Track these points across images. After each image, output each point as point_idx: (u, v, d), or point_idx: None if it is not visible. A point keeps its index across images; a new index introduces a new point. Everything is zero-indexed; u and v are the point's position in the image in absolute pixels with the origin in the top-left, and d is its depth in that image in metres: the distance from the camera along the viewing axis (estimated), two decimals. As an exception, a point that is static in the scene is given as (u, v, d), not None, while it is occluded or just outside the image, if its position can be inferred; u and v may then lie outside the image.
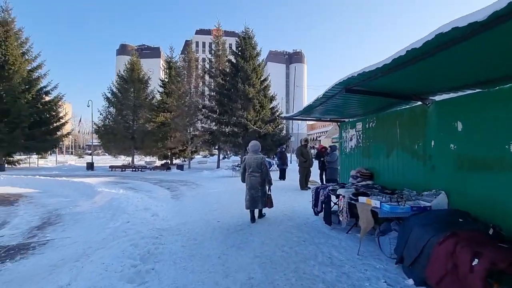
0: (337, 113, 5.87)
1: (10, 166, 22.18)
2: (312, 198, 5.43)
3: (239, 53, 20.04)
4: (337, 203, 5.05)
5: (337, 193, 4.40)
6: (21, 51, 20.82)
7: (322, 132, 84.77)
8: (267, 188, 5.26)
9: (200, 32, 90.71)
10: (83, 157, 42.36)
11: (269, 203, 5.27)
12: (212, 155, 26.04)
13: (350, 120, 6.19)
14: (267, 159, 19.11)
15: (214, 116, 20.26)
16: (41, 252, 3.85)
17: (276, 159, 15.66)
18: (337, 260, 3.39)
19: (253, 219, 5.14)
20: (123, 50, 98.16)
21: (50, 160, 28.76)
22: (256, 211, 5.36)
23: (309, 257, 3.48)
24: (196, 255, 3.58)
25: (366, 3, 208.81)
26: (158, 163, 26.80)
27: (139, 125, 21.73)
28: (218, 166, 20.64)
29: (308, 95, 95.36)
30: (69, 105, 72.54)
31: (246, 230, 4.69)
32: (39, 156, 31.04)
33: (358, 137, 5.70)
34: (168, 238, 4.21)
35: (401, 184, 4.25)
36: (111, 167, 19.42)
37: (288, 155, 26.57)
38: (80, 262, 3.31)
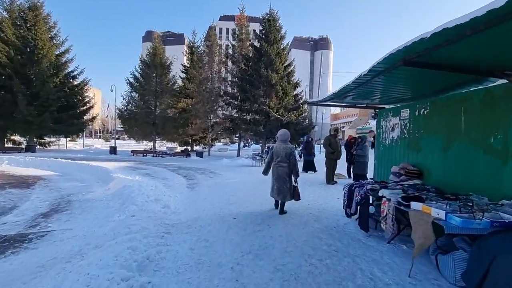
0: (375, 97, 4.94)
1: (42, 147, 23.21)
2: (344, 196, 4.64)
3: (263, 37, 19.01)
4: (373, 203, 4.24)
5: (379, 194, 3.57)
6: (49, 35, 21.22)
7: (346, 122, 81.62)
8: (294, 179, 4.93)
9: (224, 18, 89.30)
10: (109, 141, 43.92)
11: (296, 195, 4.93)
12: (233, 142, 25.67)
13: (393, 106, 5.22)
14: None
15: (235, 103, 19.60)
16: (36, 246, 3.44)
17: (300, 149, 14.77)
18: (382, 284, 2.63)
19: (277, 205, 5.09)
20: (149, 37, 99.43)
21: (79, 143, 29.88)
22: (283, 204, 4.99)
23: (345, 276, 2.75)
24: (205, 262, 2.98)
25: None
26: (179, 149, 26.90)
27: (160, 110, 21.64)
28: (238, 155, 20.14)
29: (334, 82, 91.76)
30: (99, 92, 75.47)
31: (266, 232, 4.02)
32: (69, 139, 32.51)
33: (403, 127, 4.75)
34: (175, 237, 3.65)
35: (465, 187, 3.34)
36: (133, 151, 19.59)
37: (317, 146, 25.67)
38: (71, 264, 2.82)
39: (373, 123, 57.02)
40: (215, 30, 25.26)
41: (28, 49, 19.83)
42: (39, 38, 19.95)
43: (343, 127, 79.14)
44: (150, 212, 4.50)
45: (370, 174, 9.52)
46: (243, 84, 18.84)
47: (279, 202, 4.96)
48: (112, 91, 21.12)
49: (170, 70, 22.87)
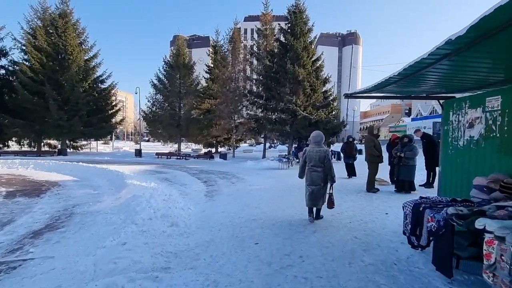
0: (439, 84, 3.64)
1: (75, 151, 24.02)
2: (406, 218, 3.39)
3: (289, 30, 17.82)
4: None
5: (478, 225, 2.30)
6: (78, 41, 21.80)
7: (376, 120, 77.07)
8: (329, 186, 4.54)
9: (249, 18, 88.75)
10: (139, 143, 45.21)
11: (329, 203, 4.55)
12: (258, 143, 24.67)
13: (470, 94, 3.86)
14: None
15: (260, 102, 18.62)
16: (-2, 285, 2.66)
17: (338, 150, 13.37)
18: None
19: (311, 214, 4.60)
20: (175, 41, 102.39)
21: (109, 146, 30.76)
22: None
23: None
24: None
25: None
26: (204, 151, 26.57)
27: (184, 112, 21.30)
28: (263, 156, 19.13)
29: (363, 78, 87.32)
30: (131, 96, 78.74)
31: (298, 268, 2.93)
32: (101, 141, 33.65)
33: (490, 122, 3.39)
34: (174, 277, 2.68)
35: None
36: (157, 154, 19.39)
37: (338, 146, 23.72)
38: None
39: (406, 120, 52.47)
40: (239, 29, 24.45)
41: (59, 55, 20.48)
42: (68, 44, 20.52)
43: (373, 125, 75.00)
44: (151, 235, 3.61)
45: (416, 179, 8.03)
46: (268, 81, 17.78)
47: (314, 209, 4.58)
48: (136, 93, 21.20)
49: (194, 70, 22.50)
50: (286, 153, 14.87)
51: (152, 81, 21.13)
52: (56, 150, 20.88)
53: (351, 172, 9.38)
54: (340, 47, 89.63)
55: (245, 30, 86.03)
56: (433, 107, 48.26)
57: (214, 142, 24.72)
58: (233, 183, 8.79)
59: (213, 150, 27.00)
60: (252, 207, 5.62)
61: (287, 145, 19.07)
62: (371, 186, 7.24)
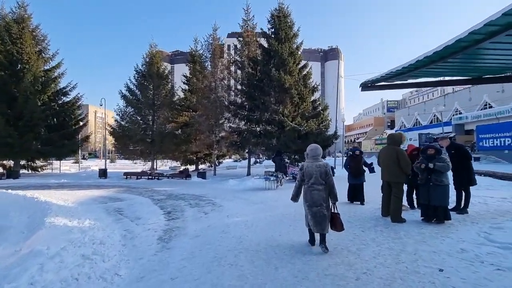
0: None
1: (34, 172, 20.91)
2: None
3: (272, 35, 16.33)
4: None
5: None
6: (37, 49, 19.36)
7: (360, 133, 77.42)
8: (332, 204, 3.88)
9: (232, 35, 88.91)
10: (114, 162, 41.82)
11: (338, 225, 3.85)
12: (244, 158, 22.28)
13: None
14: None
15: (243, 113, 16.71)
16: None
17: (344, 166, 9.92)
18: None
19: (312, 240, 4.00)
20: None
21: (74, 166, 27.57)
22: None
23: None
24: None
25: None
26: (182, 168, 24.14)
27: (157, 125, 19.01)
28: (248, 173, 17.05)
29: (346, 94, 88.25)
30: (111, 113, 75.12)
31: None
32: (73, 160, 30.40)
33: None
34: None
35: None
36: (126, 174, 16.78)
37: (332, 160, 21.73)
38: None
39: (389, 132, 52.76)
40: (223, 45, 22.43)
41: (12, 64, 17.91)
42: (24, 52, 18.05)
43: (358, 138, 74.87)
44: None
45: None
46: (251, 90, 16.00)
47: (319, 234, 3.86)
48: (101, 105, 18.76)
49: (169, 80, 20.42)
50: (273, 171, 12.90)
51: (122, 92, 18.80)
52: (4, 172, 17.79)
53: (357, 196, 7.15)
54: (323, 62, 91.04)
55: (229, 46, 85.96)
56: (416, 119, 48.48)
57: (194, 158, 22.39)
58: (206, 213, 6.61)
59: (193, 167, 24.65)
60: (225, 264, 3.50)
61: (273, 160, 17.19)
62: (398, 215, 5.33)
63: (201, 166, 24.63)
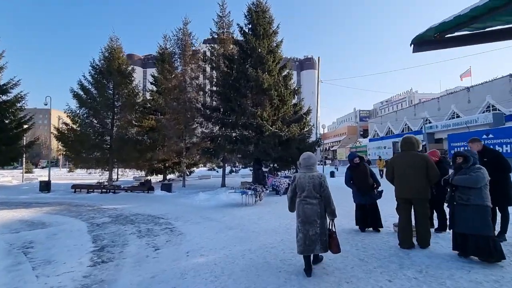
0: None
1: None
2: None
3: (250, 31, 14.77)
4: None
5: None
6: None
7: (334, 142, 78.50)
8: (329, 222, 3.50)
9: (208, 41, 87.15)
10: (73, 171, 37.55)
11: (334, 246, 3.42)
12: (220, 167, 20.07)
13: None
14: (290, 175, 13.33)
15: (217, 117, 14.81)
16: None
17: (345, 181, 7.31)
18: None
19: (309, 269, 3.35)
20: (129, 60, 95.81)
21: (16, 177, 23.73)
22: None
23: None
24: None
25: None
26: (154, 179, 21.67)
27: (117, 130, 16.48)
28: (223, 184, 15.10)
29: (321, 102, 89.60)
30: (56, 112, 68.94)
31: None
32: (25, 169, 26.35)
33: None
34: None
35: None
36: (74, 186, 14.01)
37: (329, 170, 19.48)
38: None
39: (364, 141, 53.48)
40: (198, 53, 20.19)
41: None
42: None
43: (333, 146, 75.63)
44: None
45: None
46: (226, 91, 14.23)
47: (311, 256, 3.40)
48: (46, 104, 15.88)
49: (133, 79, 18.01)
50: (252, 183, 11.14)
51: (74, 90, 16.04)
52: None
53: (369, 219, 5.18)
54: (298, 71, 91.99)
55: (205, 52, 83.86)
56: (389, 128, 49.52)
57: (162, 167, 19.98)
58: (157, 249, 4.60)
59: (161, 177, 22.13)
60: None
61: (251, 169, 15.40)
62: (429, 239, 3.85)
63: (170, 176, 22.22)
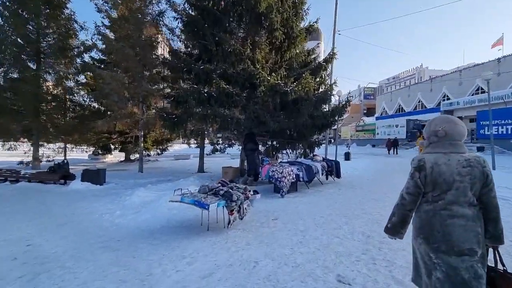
0: None
1: None
2: None
3: None
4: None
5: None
6: None
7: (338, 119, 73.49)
8: (494, 251, 1.69)
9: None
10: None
11: None
12: (212, 143, 14.26)
13: None
14: (299, 160, 8.34)
15: (187, 63, 9.15)
16: None
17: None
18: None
19: None
20: None
21: None
22: None
23: None
24: None
25: None
26: (111, 158, 16.56)
27: (42, 85, 10.97)
28: (201, 169, 10.06)
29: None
30: None
31: None
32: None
33: None
34: None
35: None
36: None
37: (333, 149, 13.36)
38: None
39: (367, 120, 48.20)
40: None
41: None
42: None
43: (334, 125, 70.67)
44: None
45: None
46: (198, 17, 8.57)
47: None
48: None
49: (68, 12, 12.12)
50: (247, 178, 5.97)
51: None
52: None
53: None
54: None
55: None
56: (399, 105, 44.02)
57: (119, 143, 14.76)
58: None
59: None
60: None
61: (240, 146, 10.10)
62: None
63: (136, 156, 16.95)
